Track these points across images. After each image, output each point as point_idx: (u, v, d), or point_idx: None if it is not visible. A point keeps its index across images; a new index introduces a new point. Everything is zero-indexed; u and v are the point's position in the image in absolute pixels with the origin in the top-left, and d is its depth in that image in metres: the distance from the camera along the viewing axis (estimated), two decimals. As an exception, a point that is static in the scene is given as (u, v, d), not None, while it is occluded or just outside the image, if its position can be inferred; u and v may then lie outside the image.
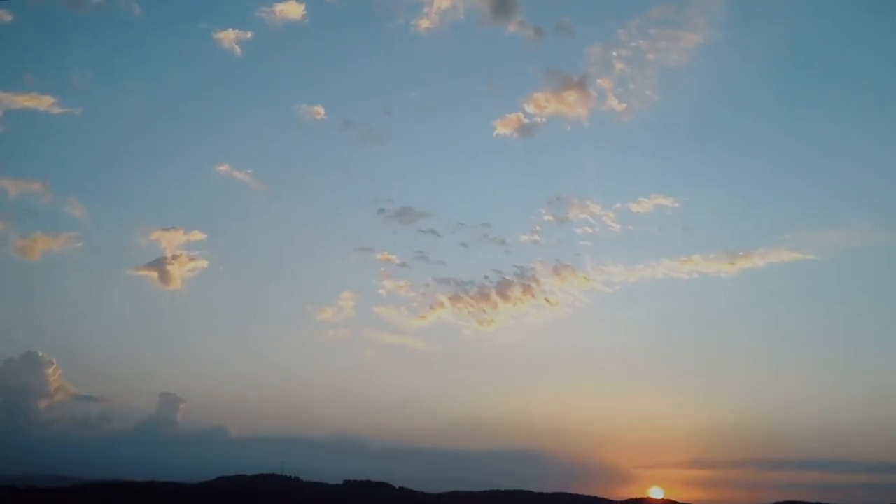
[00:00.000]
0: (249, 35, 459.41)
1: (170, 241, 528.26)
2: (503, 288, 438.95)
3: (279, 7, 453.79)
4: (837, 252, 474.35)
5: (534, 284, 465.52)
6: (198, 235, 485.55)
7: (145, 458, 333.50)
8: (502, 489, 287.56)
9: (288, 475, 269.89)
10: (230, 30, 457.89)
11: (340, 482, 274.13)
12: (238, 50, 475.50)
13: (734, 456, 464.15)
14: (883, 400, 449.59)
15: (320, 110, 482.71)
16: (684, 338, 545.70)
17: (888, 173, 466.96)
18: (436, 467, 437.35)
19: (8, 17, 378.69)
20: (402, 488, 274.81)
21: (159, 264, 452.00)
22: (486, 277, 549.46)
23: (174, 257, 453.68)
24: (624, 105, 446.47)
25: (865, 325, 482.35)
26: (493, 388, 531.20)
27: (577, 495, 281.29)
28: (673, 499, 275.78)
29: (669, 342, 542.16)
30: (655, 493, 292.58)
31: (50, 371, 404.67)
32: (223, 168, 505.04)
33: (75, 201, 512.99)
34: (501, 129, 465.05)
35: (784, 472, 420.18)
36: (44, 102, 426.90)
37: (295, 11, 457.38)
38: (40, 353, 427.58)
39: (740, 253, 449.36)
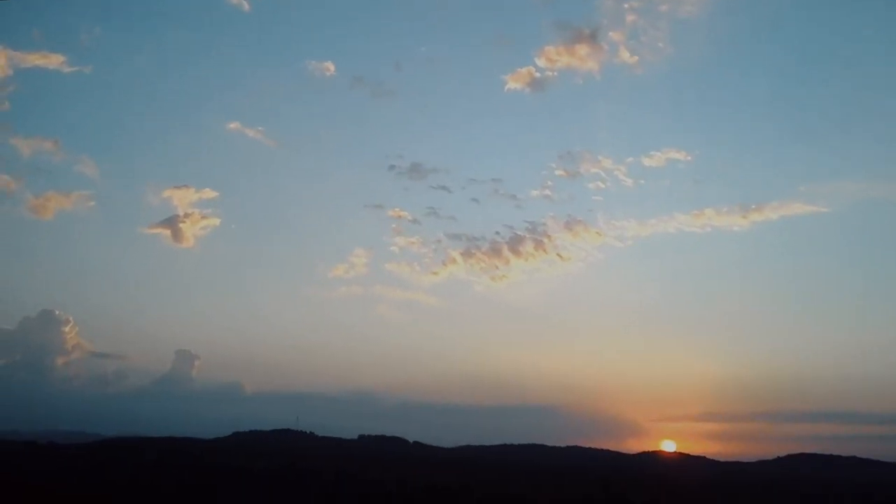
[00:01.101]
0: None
1: (181, 199, 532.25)
2: (515, 243, 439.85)
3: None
4: (851, 204, 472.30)
5: (546, 240, 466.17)
6: (209, 193, 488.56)
7: (161, 415, 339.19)
8: (515, 443, 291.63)
9: (303, 430, 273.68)
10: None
11: (355, 437, 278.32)
12: (247, 6, 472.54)
13: (747, 409, 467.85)
14: (894, 352, 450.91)
15: (330, 66, 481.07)
16: (697, 292, 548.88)
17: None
18: (449, 422, 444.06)
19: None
20: (416, 443, 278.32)
21: (172, 222, 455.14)
22: (497, 233, 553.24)
23: (186, 215, 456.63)
24: (636, 58, 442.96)
25: (879, 277, 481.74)
26: (505, 343, 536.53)
27: (590, 449, 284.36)
28: (685, 451, 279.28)
29: (682, 296, 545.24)
30: (668, 445, 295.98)
31: (66, 329, 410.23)
32: (234, 125, 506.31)
33: (87, 160, 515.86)
34: (512, 84, 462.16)
35: (797, 425, 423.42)
36: (54, 61, 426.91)
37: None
38: (57, 312, 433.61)
39: (753, 206, 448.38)
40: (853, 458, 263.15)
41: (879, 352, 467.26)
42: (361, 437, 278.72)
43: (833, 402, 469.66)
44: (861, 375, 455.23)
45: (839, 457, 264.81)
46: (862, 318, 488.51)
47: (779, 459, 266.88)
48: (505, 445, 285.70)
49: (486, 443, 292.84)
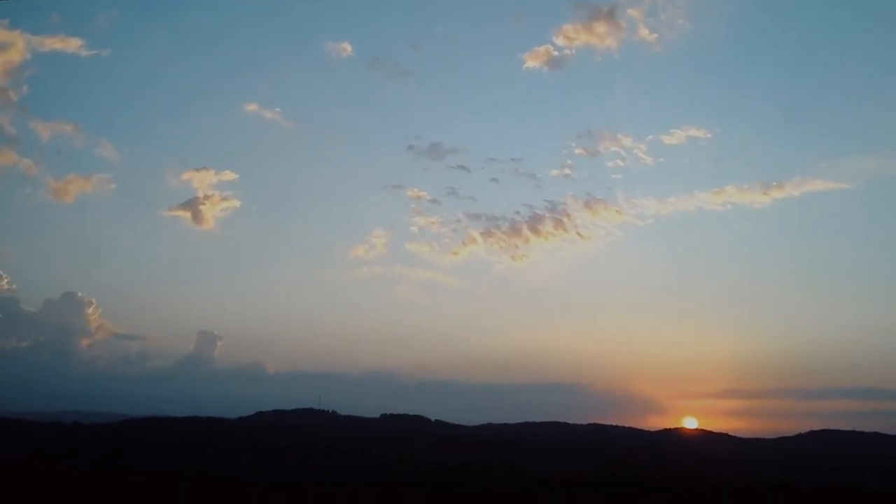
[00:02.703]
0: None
1: (201, 181, 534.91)
2: (535, 223, 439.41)
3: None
4: (873, 180, 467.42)
5: (565, 219, 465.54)
6: (229, 175, 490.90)
7: (185, 395, 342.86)
8: (536, 421, 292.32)
9: (325, 409, 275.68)
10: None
11: (377, 416, 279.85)
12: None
13: (768, 385, 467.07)
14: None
15: (347, 47, 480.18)
16: (718, 269, 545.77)
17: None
18: (471, 401, 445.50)
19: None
20: (437, 421, 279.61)
21: (192, 205, 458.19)
22: (517, 212, 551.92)
23: (206, 197, 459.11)
24: (655, 35, 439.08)
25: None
26: (526, 322, 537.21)
27: (611, 426, 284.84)
28: (707, 428, 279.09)
29: (703, 274, 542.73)
30: (689, 423, 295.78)
31: (90, 311, 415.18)
32: (252, 107, 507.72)
33: (107, 143, 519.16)
34: (530, 63, 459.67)
35: (819, 402, 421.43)
36: (72, 45, 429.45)
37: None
38: (79, 294, 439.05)
39: (774, 183, 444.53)
40: (875, 433, 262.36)
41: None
42: (383, 415, 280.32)
43: (854, 379, 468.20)
44: (882, 351, 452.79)
45: (861, 433, 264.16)
46: (882, 294, 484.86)
47: (800, 436, 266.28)
48: (526, 423, 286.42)
49: (508, 421, 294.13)
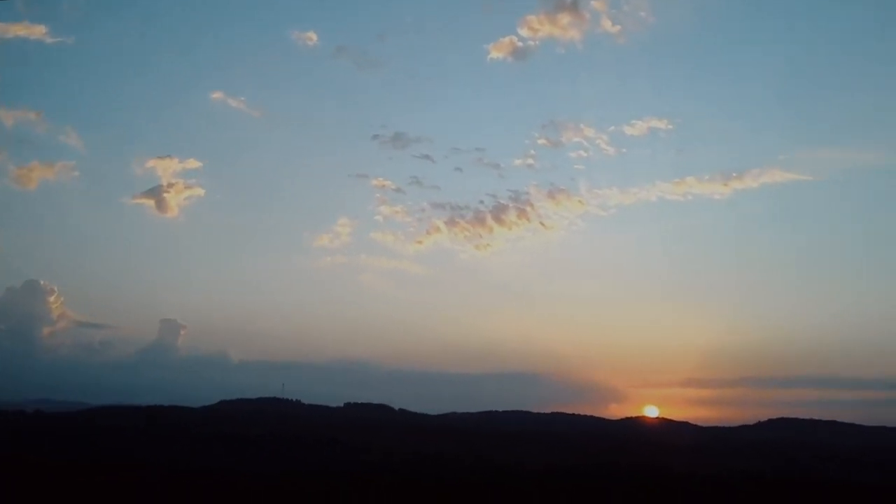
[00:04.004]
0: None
1: (165, 169, 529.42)
2: (498, 212, 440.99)
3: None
4: (832, 172, 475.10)
5: (529, 208, 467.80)
6: (194, 163, 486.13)
7: (148, 384, 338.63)
8: (499, 410, 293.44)
9: (289, 398, 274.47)
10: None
11: (341, 405, 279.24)
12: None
13: (728, 375, 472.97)
14: (873, 319, 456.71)
15: (313, 36, 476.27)
16: (679, 260, 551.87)
17: (884, 94, 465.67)
18: (435, 390, 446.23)
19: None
20: (401, 410, 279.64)
21: (156, 192, 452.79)
22: (481, 202, 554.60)
23: (170, 185, 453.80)
24: (618, 27, 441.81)
25: (859, 245, 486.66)
26: (489, 311, 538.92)
27: (573, 415, 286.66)
28: (668, 417, 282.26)
29: (664, 264, 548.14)
30: (650, 411, 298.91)
31: (52, 299, 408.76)
32: (217, 95, 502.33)
33: (71, 130, 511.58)
34: (495, 54, 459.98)
35: (779, 390, 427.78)
36: (36, 32, 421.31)
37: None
38: (42, 282, 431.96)
39: (734, 174, 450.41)
40: (833, 422, 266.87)
41: (859, 318, 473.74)
42: (347, 404, 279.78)
43: (813, 367, 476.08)
44: (840, 341, 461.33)
45: (820, 421, 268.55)
46: (841, 285, 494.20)
47: (760, 424, 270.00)
48: (490, 412, 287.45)
49: (471, 410, 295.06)
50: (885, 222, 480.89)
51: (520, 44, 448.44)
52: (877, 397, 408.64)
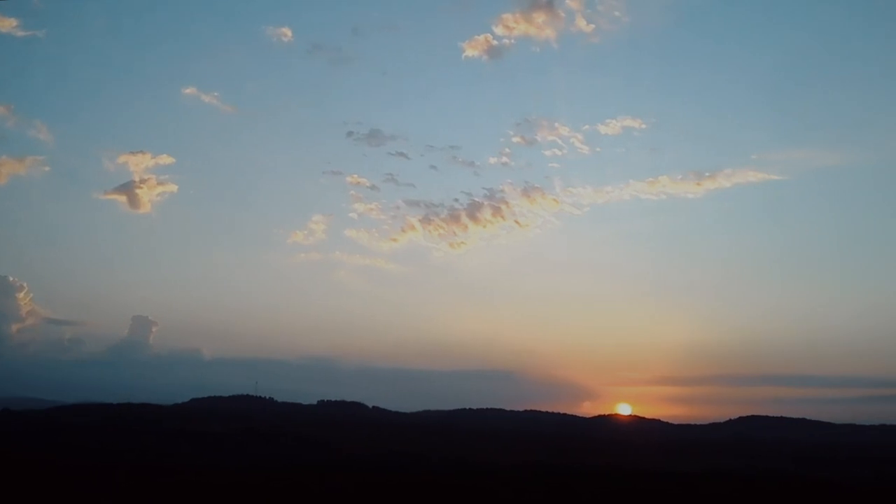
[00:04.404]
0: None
1: (137, 164, 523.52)
2: (473, 210, 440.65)
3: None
4: (803, 172, 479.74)
5: (503, 207, 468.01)
6: (166, 159, 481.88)
7: (119, 381, 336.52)
8: (473, 408, 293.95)
9: (262, 396, 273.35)
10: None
11: (314, 402, 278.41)
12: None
13: (701, 372, 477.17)
14: (843, 317, 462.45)
15: (288, 32, 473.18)
16: (652, 258, 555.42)
17: (855, 94, 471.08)
18: (408, 387, 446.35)
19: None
20: (375, 408, 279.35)
21: (128, 188, 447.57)
22: (456, 200, 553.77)
23: (142, 181, 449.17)
24: (592, 26, 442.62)
25: (829, 244, 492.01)
26: (464, 308, 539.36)
27: (547, 412, 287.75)
28: (641, 415, 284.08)
29: (637, 263, 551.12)
30: (623, 409, 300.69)
31: (21, 295, 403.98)
32: (190, 91, 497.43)
33: (41, 125, 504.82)
34: (470, 52, 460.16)
35: (749, 388, 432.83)
36: (6, 25, 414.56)
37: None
38: (11, 278, 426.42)
39: (707, 174, 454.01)
40: (803, 419, 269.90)
41: (829, 317, 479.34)
42: (320, 402, 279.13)
43: (785, 366, 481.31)
44: (808, 339, 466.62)
45: (790, 419, 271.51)
46: (812, 284, 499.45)
47: (731, 422, 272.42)
48: (463, 410, 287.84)
49: (445, 407, 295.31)
50: (854, 221, 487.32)
51: (495, 42, 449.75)
52: (847, 395, 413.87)
